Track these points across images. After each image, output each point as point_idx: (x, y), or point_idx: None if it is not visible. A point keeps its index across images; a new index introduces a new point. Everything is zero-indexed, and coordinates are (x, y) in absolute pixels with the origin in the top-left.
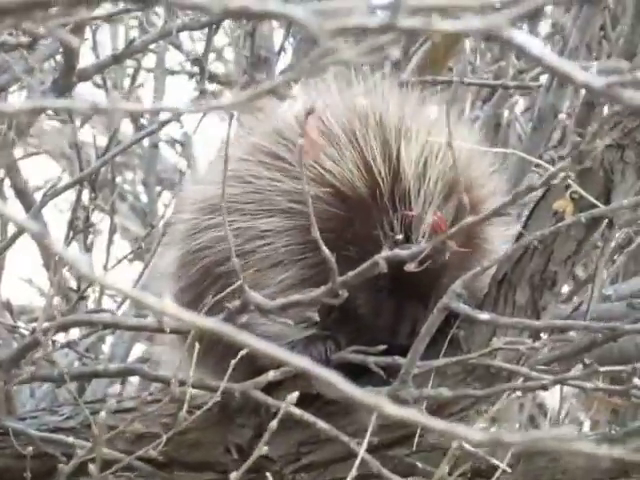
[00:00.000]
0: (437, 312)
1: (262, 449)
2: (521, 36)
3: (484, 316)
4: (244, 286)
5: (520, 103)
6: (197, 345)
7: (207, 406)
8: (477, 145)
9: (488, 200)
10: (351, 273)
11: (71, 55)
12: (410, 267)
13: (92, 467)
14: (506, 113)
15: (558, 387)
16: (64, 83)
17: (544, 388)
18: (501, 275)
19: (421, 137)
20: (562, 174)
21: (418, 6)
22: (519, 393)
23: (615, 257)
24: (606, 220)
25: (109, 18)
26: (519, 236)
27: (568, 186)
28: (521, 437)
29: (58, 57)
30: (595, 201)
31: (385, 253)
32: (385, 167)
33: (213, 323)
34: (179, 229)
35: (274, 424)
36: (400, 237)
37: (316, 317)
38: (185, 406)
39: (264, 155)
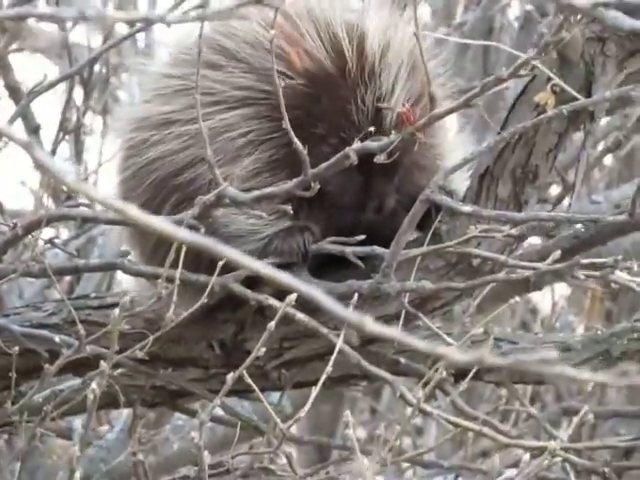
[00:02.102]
0: (419, 204)
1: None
2: None
3: (466, 208)
4: (218, 178)
5: (513, 7)
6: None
7: (197, 304)
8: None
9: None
10: (323, 165)
11: None
12: (380, 159)
13: (103, 364)
14: (498, 17)
15: (549, 291)
16: None
17: (527, 281)
18: (483, 169)
19: (384, 22)
20: (530, 65)
21: None
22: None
23: (605, 162)
24: (588, 114)
25: None
26: (500, 129)
27: (549, 79)
28: (506, 361)
29: None
30: (576, 94)
31: (355, 145)
32: (351, 45)
33: (185, 232)
34: (122, 148)
35: (272, 325)
36: (372, 129)
37: (290, 210)
38: (172, 305)
39: (210, 53)
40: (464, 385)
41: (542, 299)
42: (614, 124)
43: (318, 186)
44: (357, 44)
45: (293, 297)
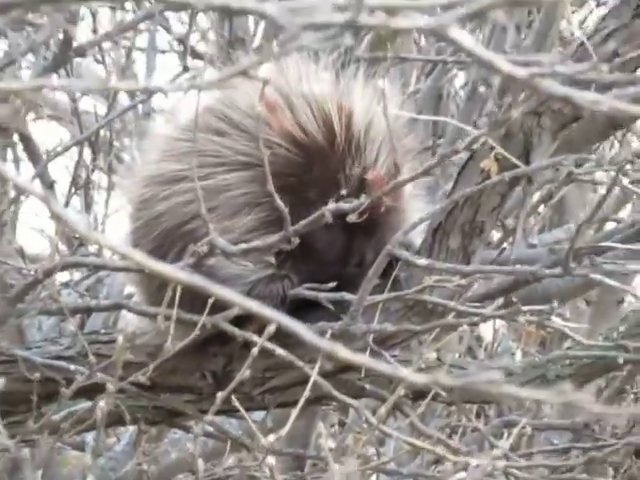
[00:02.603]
0: (382, 257)
1: (244, 373)
2: (456, 32)
3: (422, 261)
4: (212, 232)
5: (460, 77)
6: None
7: (190, 337)
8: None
9: (411, 162)
10: (302, 222)
11: (69, 35)
12: (352, 218)
13: (110, 386)
14: (446, 86)
15: (491, 322)
16: (62, 58)
17: (474, 324)
18: (436, 224)
19: (366, 101)
20: (482, 139)
21: (375, 5)
22: (456, 328)
23: (540, 210)
24: (526, 178)
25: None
26: (450, 192)
27: (493, 148)
28: (457, 381)
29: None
30: (516, 161)
31: (331, 206)
32: (340, 121)
33: (184, 274)
34: (133, 202)
35: (255, 351)
36: (344, 192)
37: (273, 260)
38: (170, 338)
39: (216, 122)
40: (422, 406)
41: (485, 327)
42: (546, 177)
43: (298, 240)
44: (345, 120)
45: (272, 329)
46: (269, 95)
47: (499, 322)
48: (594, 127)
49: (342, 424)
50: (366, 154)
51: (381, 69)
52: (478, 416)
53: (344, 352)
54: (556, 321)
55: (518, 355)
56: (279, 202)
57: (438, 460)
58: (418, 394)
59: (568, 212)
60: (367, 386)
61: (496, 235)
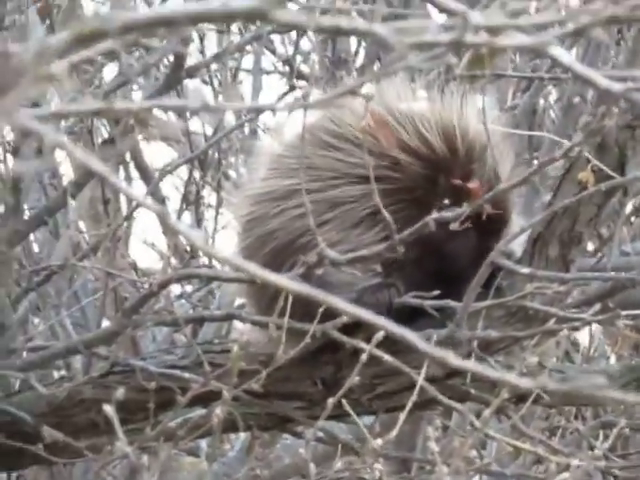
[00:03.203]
0: (485, 267)
1: (354, 379)
2: (554, 49)
3: (524, 270)
4: (320, 243)
5: (553, 93)
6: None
7: (301, 345)
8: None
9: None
10: (406, 232)
11: (180, 57)
12: (454, 226)
13: (225, 393)
14: (541, 102)
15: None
16: (174, 79)
17: (575, 329)
18: (536, 234)
19: (474, 116)
20: (577, 148)
21: (480, 25)
22: (557, 333)
23: (632, 219)
24: (621, 189)
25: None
26: (549, 203)
27: (589, 161)
28: (562, 385)
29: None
30: (612, 173)
31: (434, 215)
32: (460, 132)
33: (296, 284)
34: (243, 220)
35: (364, 357)
36: (447, 202)
37: (379, 269)
38: (281, 347)
39: (325, 137)
40: (523, 409)
41: (582, 332)
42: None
43: (403, 249)
44: (464, 132)
45: (380, 336)
46: (375, 111)
47: (595, 327)
48: None
49: (445, 428)
50: (486, 162)
51: (479, 86)
52: (576, 418)
53: (454, 358)
54: None
55: (612, 359)
56: (384, 211)
57: (539, 461)
58: (520, 397)
59: None
60: (472, 391)
61: (592, 245)
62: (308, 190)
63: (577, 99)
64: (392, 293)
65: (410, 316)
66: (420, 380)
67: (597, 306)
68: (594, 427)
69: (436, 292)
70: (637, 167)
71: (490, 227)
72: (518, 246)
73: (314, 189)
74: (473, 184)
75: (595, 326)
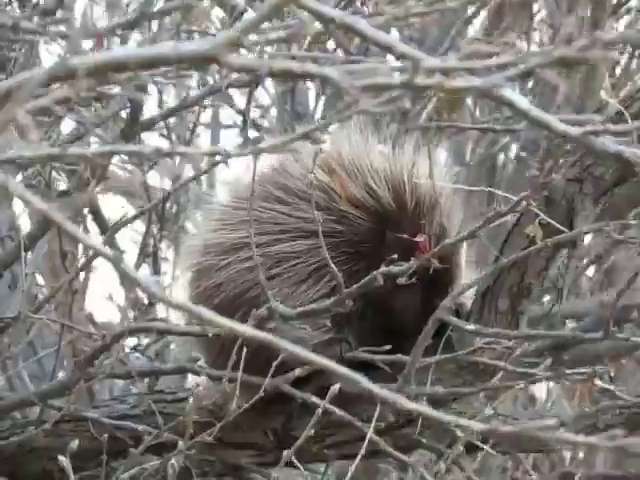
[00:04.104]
0: (432, 323)
1: (310, 431)
2: (510, 94)
3: (470, 327)
4: (270, 297)
5: (513, 148)
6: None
7: (253, 400)
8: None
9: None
10: (355, 286)
11: (136, 109)
12: (401, 281)
13: (181, 444)
14: (501, 156)
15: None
16: (129, 131)
17: (524, 386)
18: (484, 288)
19: (425, 168)
20: (524, 202)
21: (431, 67)
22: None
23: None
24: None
25: (172, 78)
26: (497, 258)
27: (537, 215)
28: (513, 428)
29: (125, 112)
30: (560, 227)
31: (381, 269)
32: (410, 187)
33: (250, 330)
34: (192, 271)
35: (319, 411)
36: (395, 256)
37: (328, 324)
38: (235, 399)
39: (274, 190)
40: (478, 458)
41: (538, 387)
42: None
43: (351, 304)
44: (412, 185)
45: (336, 388)
46: (328, 162)
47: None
48: (638, 191)
49: None
50: (435, 217)
51: (437, 138)
52: (534, 469)
53: (406, 402)
54: (599, 382)
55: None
56: (332, 266)
57: None
58: (473, 446)
59: (617, 276)
60: (423, 440)
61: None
62: (256, 244)
63: (524, 153)
64: (343, 347)
65: (361, 370)
66: (370, 432)
67: (548, 361)
68: (552, 478)
69: (387, 347)
70: (585, 220)
71: (437, 283)
72: (468, 299)
73: (262, 243)
74: (420, 238)
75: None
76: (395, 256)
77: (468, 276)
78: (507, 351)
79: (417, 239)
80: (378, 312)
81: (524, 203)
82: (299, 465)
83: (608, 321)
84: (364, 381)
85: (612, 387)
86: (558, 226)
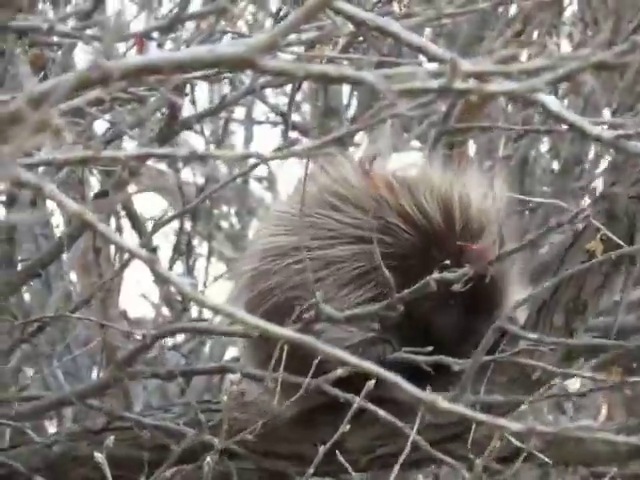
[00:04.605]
0: (492, 332)
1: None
2: (543, 96)
3: (532, 335)
4: (318, 300)
5: (545, 143)
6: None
7: (295, 396)
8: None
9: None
10: (407, 290)
11: (174, 108)
12: (456, 287)
13: (216, 442)
14: (533, 152)
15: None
16: (168, 132)
17: (581, 394)
18: (541, 302)
19: (480, 189)
20: (584, 214)
21: (468, 71)
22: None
23: None
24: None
25: (207, 78)
26: (556, 271)
27: (598, 230)
28: (552, 428)
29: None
30: (621, 242)
31: (435, 275)
32: (459, 205)
33: (293, 333)
34: (247, 275)
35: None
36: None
37: (376, 326)
38: (276, 400)
39: (330, 197)
40: (516, 466)
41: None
42: None
43: (402, 308)
44: (464, 206)
45: (371, 384)
46: (384, 175)
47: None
48: None
49: (436, 477)
50: (482, 240)
51: (472, 138)
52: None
53: (443, 403)
54: None
55: (604, 408)
56: (385, 271)
57: None
58: (513, 456)
59: None
60: (469, 455)
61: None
62: (308, 248)
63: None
64: (386, 348)
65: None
66: (414, 438)
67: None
68: (585, 477)
69: (430, 348)
70: None
71: (478, 305)
72: (521, 314)
73: (313, 247)
74: (479, 246)
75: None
76: (448, 262)
77: (518, 292)
78: (558, 356)
79: (476, 246)
80: (416, 327)
81: (584, 215)
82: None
83: None
84: (403, 382)
85: None
86: (619, 241)
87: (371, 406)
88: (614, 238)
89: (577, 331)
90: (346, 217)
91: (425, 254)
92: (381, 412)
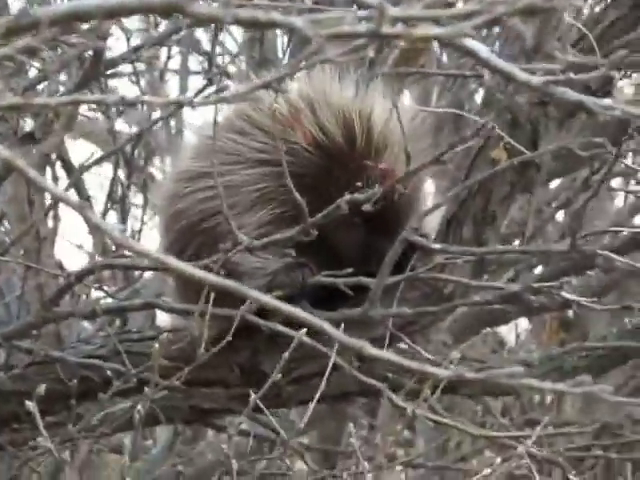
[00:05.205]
0: (398, 243)
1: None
2: (471, 42)
3: (436, 245)
4: (234, 228)
5: (480, 92)
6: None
7: (226, 340)
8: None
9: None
10: (319, 215)
11: (99, 51)
12: (367, 207)
13: (147, 390)
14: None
15: (513, 325)
16: (92, 73)
17: (490, 304)
18: (450, 215)
19: (385, 107)
20: (489, 126)
21: (397, 16)
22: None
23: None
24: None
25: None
26: (463, 180)
27: (502, 138)
28: (480, 375)
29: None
30: (524, 150)
31: (346, 197)
32: (360, 124)
33: (217, 278)
34: (162, 197)
35: (286, 355)
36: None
37: (292, 253)
38: (204, 336)
39: (239, 122)
40: (445, 398)
41: (508, 333)
42: (563, 186)
43: (316, 233)
44: (365, 124)
45: (303, 332)
46: (293, 99)
47: (521, 327)
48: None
49: (371, 427)
50: (386, 155)
51: (404, 83)
52: (503, 415)
53: (371, 349)
54: (565, 294)
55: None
56: (296, 194)
57: (464, 458)
58: (441, 389)
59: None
60: (389, 375)
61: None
62: (218, 173)
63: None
64: (305, 272)
65: (326, 298)
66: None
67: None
68: (520, 424)
69: (349, 270)
70: (549, 144)
71: (380, 222)
72: (432, 229)
73: (221, 172)
74: (384, 165)
75: (521, 326)
76: (359, 184)
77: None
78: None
79: (381, 166)
80: (327, 248)
81: (489, 127)
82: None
83: (574, 233)
84: (327, 325)
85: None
86: (522, 149)
87: (304, 337)
88: (517, 145)
89: (488, 242)
90: (251, 141)
91: (327, 173)
92: (309, 341)
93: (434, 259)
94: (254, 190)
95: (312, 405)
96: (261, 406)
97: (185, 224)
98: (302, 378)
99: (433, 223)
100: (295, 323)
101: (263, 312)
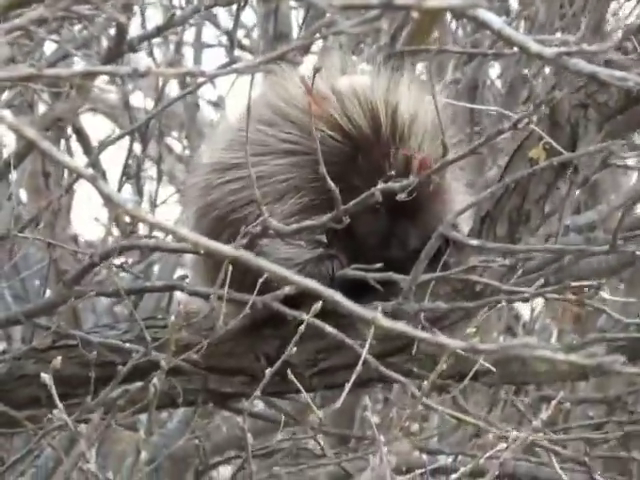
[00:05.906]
0: (434, 239)
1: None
2: (485, 14)
3: (474, 241)
4: (265, 214)
5: (496, 67)
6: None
7: (241, 315)
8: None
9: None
10: (352, 202)
11: (121, 29)
12: (401, 197)
13: (163, 363)
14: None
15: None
16: (115, 52)
17: (524, 300)
18: (484, 212)
19: (411, 93)
20: (526, 122)
21: None
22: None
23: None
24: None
25: None
26: (500, 178)
27: (541, 138)
28: (493, 346)
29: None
30: (563, 150)
31: (380, 186)
32: (386, 111)
33: (234, 250)
34: (194, 188)
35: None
36: (393, 173)
37: (324, 239)
38: (221, 317)
39: (268, 113)
40: (463, 384)
41: (523, 306)
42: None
43: (348, 220)
44: (391, 111)
45: (318, 306)
46: (319, 87)
47: (536, 302)
48: (635, 117)
49: (386, 400)
50: (410, 144)
51: (420, 61)
52: (517, 391)
53: (384, 320)
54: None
55: (554, 334)
56: (330, 182)
57: (477, 434)
58: (461, 376)
59: (600, 195)
60: (414, 369)
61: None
62: (247, 164)
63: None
64: (335, 264)
65: (355, 291)
66: (364, 352)
67: (540, 281)
68: (535, 401)
69: (379, 265)
70: (588, 145)
71: (404, 210)
72: (465, 224)
73: (253, 163)
74: (420, 156)
75: (537, 301)
76: (393, 172)
77: (461, 201)
78: (503, 270)
79: (417, 155)
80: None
81: (526, 124)
82: (297, 383)
83: (615, 234)
84: (342, 299)
85: (605, 308)
86: (561, 150)
87: (316, 321)
88: (556, 146)
89: (521, 241)
90: (280, 132)
91: (353, 160)
92: (326, 327)
93: (467, 255)
94: (283, 180)
95: (342, 396)
96: (290, 384)
97: (216, 215)
98: (328, 370)
99: (464, 219)
100: (321, 314)
101: (291, 302)
